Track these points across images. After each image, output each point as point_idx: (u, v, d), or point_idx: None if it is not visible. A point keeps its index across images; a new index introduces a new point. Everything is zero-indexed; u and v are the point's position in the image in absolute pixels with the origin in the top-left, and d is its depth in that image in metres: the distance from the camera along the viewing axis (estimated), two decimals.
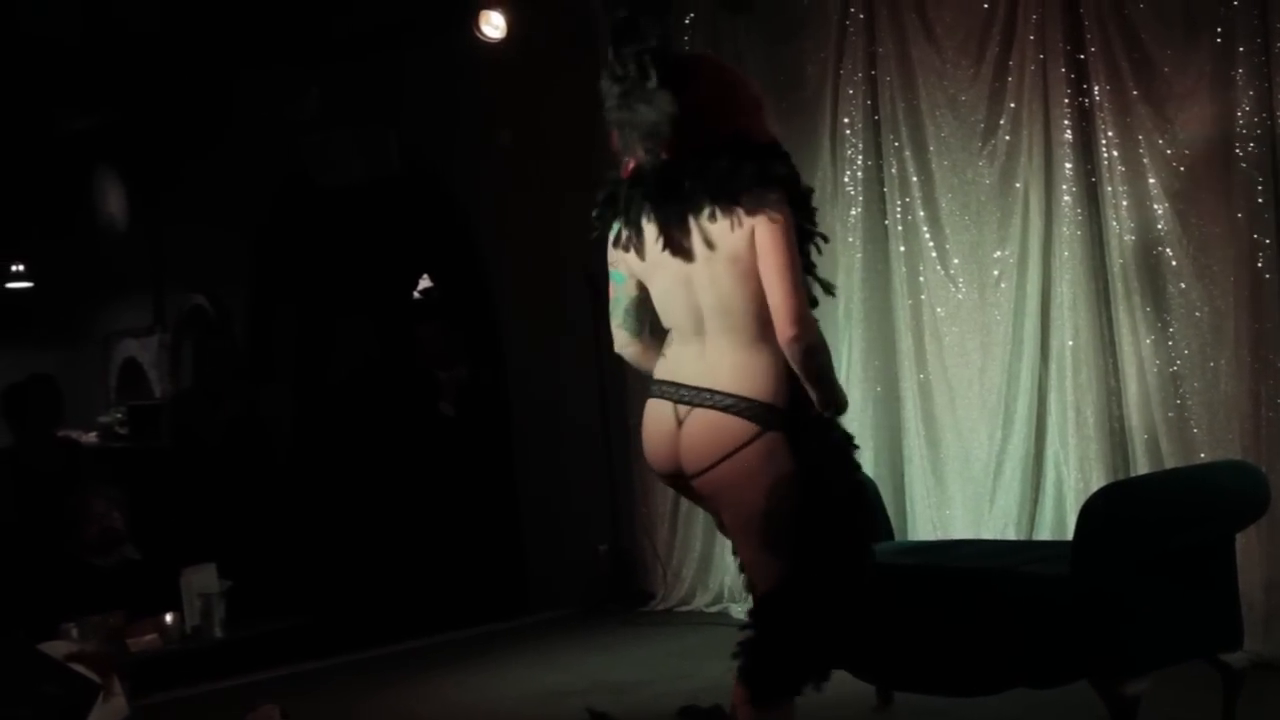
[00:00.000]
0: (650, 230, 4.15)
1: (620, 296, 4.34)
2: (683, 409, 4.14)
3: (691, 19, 7.58)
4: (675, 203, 4.10)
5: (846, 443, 4.22)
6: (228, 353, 10.72)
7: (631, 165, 4.19)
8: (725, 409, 4.07)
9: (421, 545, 8.32)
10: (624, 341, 4.39)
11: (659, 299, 4.24)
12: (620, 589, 7.99)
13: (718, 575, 7.53)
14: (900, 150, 6.81)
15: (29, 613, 6.51)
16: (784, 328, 4.02)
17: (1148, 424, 6.06)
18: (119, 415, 11.23)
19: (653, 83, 4.03)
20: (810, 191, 4.30)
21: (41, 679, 5.14)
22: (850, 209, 6.97)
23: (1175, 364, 6.02)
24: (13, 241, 11.84)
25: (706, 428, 4.09)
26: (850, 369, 6.96)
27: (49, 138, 10.76)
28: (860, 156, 6.95)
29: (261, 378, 10.35)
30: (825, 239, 4.31)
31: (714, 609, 7.48)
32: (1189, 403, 5.97)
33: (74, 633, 6.22)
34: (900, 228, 6.82)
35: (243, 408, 10.08)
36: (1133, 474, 6.02)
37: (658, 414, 4.20)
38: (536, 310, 8.58)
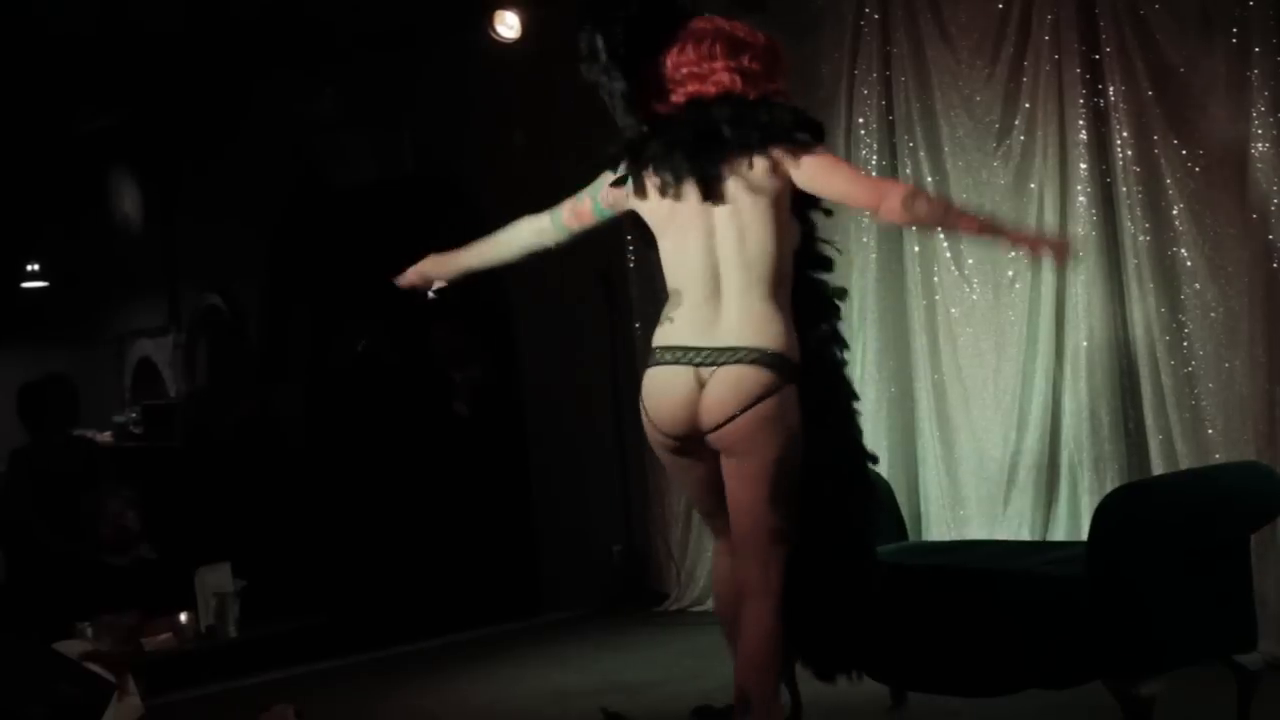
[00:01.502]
0: (683, 184, 4.24)
1: (589, 217, 4.50)
2: (705, 371, 4.23)
3: None
4: (716, 151, 4.21)
5: (850, 403, 4.47)
6: (242, 352, 10.75)
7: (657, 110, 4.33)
8: (751, 362, 4.19)
9: (435, 545, 8.33)
10: (546, 222, 4.55)
11: (673, 254, 4.31)
12: (634, 589, 7.99)
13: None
14: (915, 151, 6.80)
15: (44, 612, 6.53)
16: (894, 199, 4.21)
17: (1162, 425, 6.05)
18: (134, 415, 11.25)
19: (604, 58, 4.25)
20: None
21: (57, 678, 5.16)
22: (864, 209, 6.95)
23: (1190, 365, 6.01)
24: (28, 241, 11.87)
25: (732, 382, 4.19)
26: (864, 370, 6.96)
27: (65, 137, 10.78)
28: (875, 157, 6.94)
29: (276, 377, 10.37)
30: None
31: None
32: (1204, 403, 5.96)
33: (89, 632, 6.23)
34: (914, 228, 6.81)
35: (257, 407, 10.10)
36: (1147, 475, 6.01)
37: (675, 380, 4.26)
38: (551, 310, 8.58)
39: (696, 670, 6.39)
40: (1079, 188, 6.25)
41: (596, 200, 4.49)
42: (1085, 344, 6.26)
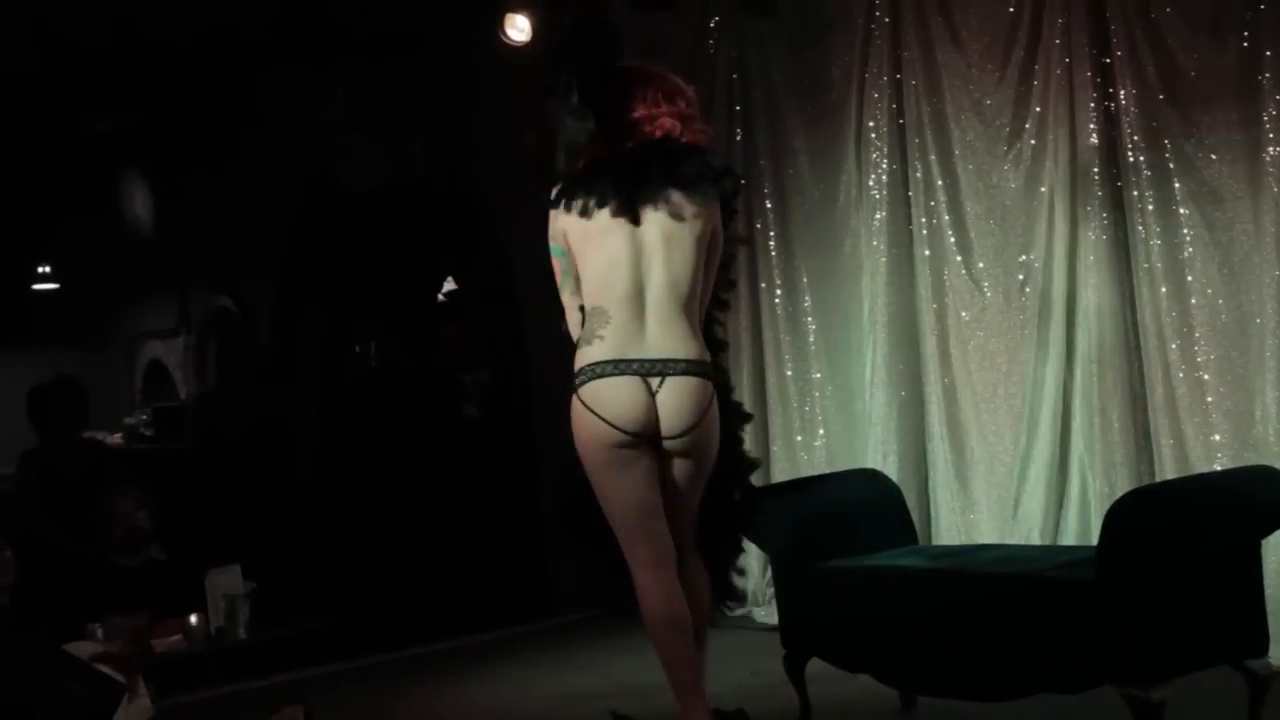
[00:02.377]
0: (604, 211, 4.60)
1: (567, 269, 4.77)
2: (654, 380, 4.58)
3: (716, 22, 7.59)
4: (647, 186, 4.59)
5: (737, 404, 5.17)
6: (252, 354, 10.76)
7: (582, 164, 4.67)
8: (695, 373, 4.61)
9: (445, 547, 8.33)
10: (577, 319, 4.79)
11: (601, 272, 4.64)
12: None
13: (742, 579, 7.51)
14: (925, 154, 6.79)
15: (55, 613, 6.54)
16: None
17: (1173, 429, 6.04)
18: (144, 417, 11.27)
19: (575, 99, 4.59)
20: (734, 213, 5.01)
21: (67, 679, 5.16)
22: (875, 213, 6.95)
23: (1201, 369, 6.00)
24: (39, 243, 11.89)
25: (685, 393, 4.60)
26: (875, 373, 6.96)
27: (75, 140, 10.80)
28: (885, 160, 6.94)
29: (286, 379, 10.38)
30: (745, 242, 5.33)
31: (737, 613, 7.46)
32: (1214, 408, 5.96)
33: (99, 633, 6.25)
34: (925, 232, 6.81)
35: (267, 409, 10.11)
36: (1158, 479, 6.00)
37: (629, 386, 4.58)
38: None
39: (707, 674, 6.39)
40: (1090, 191, 6.25)
41: (553, 250, 4.78)
42: (1096, 348, 6.26)
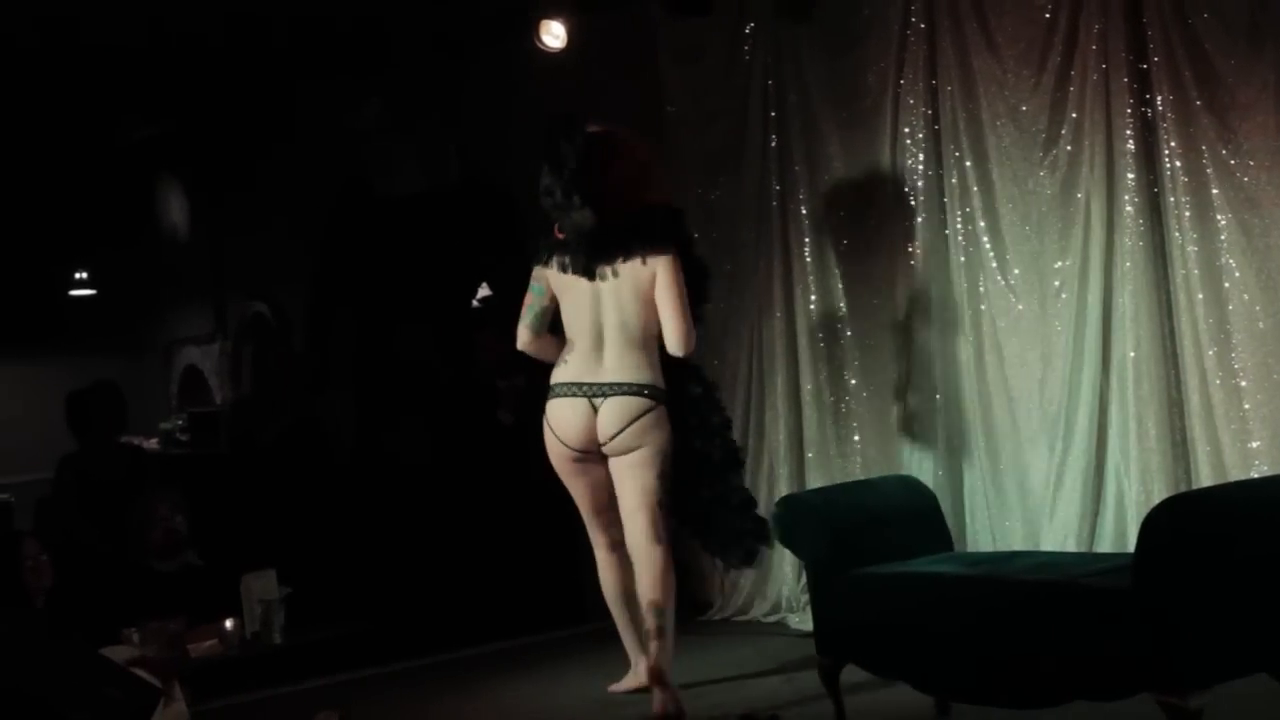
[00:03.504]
0: (576, 266, 5.99)
1: (534, 305, 6.14)
2: (598, 400, 5.91)
3: (752, 28, 7.60)
4: (604, 253, 5.94)
5: (724, 424, 6.24)
6: (287, 360, 10.79)
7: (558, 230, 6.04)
8: (631, 393, 5.90)
9: (480, 552, 8.33)
10: (526, 340, 6.18)
11: (570, 314, 6.03)
12: (678, 598, 7.96)
13: (775, 585, 7.52)
14: (961, 160, 6.78)
15: (92, 617, 6.57)
16: (675, 341, 5.93)
17: (1210, 436, 6.01)
18: (180, 422, 11.31)
19: (577, 201, 5.87)
20: (691, 240, 6.28)
21: (104, 683, 5.19)
22: (910, 219, 6.95)
23: (1238, 375, 5.97)
24: (77, 250, 11.94)
25: (619, 407, 5.89)
26: (910, 379, 6.95)
27: (113, 147, 10.85)
28: (920, 166, 6.93)
29: (321, 385, 10.40)
30: (708, 274, 6.30)
31: (771, 619, 7.47)
32: (1251, 415, 5.93)
33: (135, 638, 6.29)
34: (960, 238, 6.79)
35: (302, 415, 10.13)
36: (1194, 486, 5.98)
37: (573, 408, 5.94)
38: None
39: (740, 678, 6.39)
40: (1126, 197, 6.22)
41: (532, 289, 6.16)
42: (1132, 354, 6.23)
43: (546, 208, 5.99)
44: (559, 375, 5.98)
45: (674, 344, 5.93)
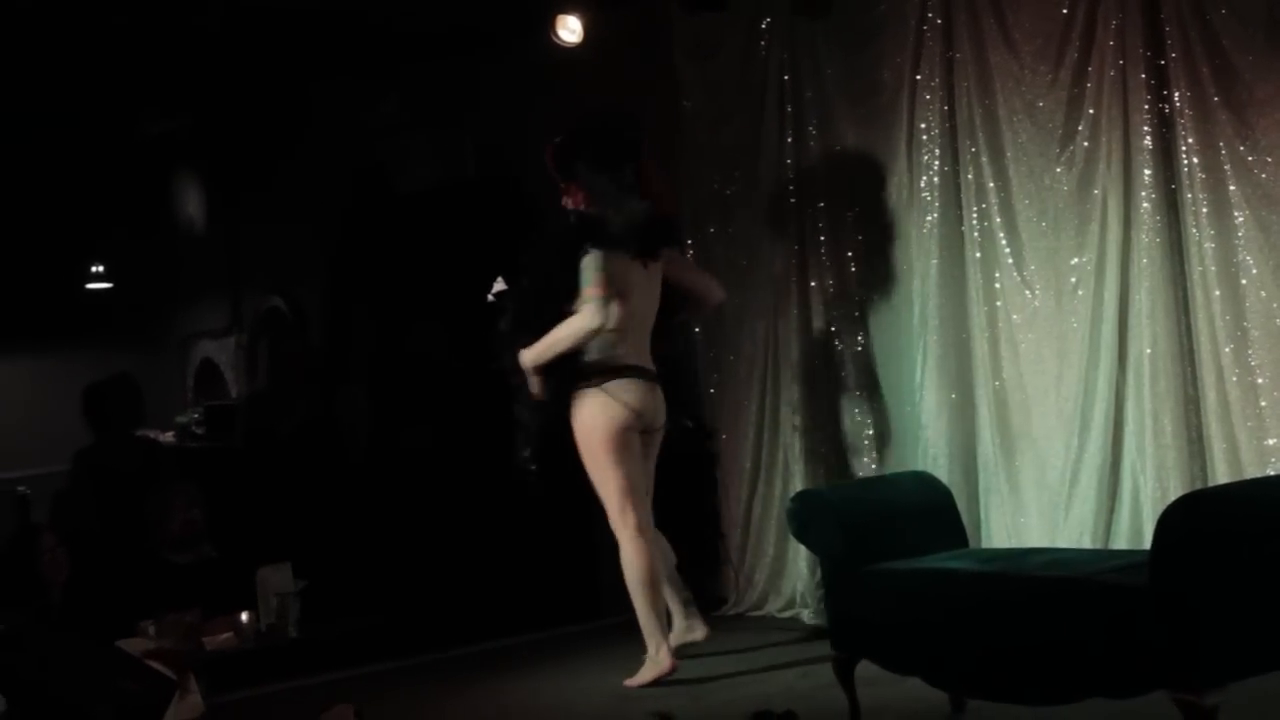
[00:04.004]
0: (626, 263, 6.44)
1: (611, 287, 6.38)
2: (653, 383, 6.47)
3: (768, 23, 7.59)
4: (653, 245, 6.51)
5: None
6: (303, 354, 10.80)
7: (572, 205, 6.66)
8: (658, 379, 6.52)
9: (495, 547, 8.34)
10: (617, 317, 6.37)
11: (622, 306, 6.39)
12: (693, 593, 7.96)
13: (790, 580, 7.52)
14: (977, 156, 6.77)
15: (108, 609, 6.59)
16: (717, 289, 6.98)
17: (1226, 433, 6.01)
18: (196, 415, 11.31)
19: (636, 197, 6.46)
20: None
21: (120, 675, 5.21)
22: (926, 215, 6.94)
23: (1254, 372, 5.96)
24: (93, 243, 11.96)
25: (659, 394, 6.52)
26: (925, 375, 6.94)
27: (129, 140, 10.87)
28: (937, 162, 6.92)
29: (336, 379, 10.41)
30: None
31: (786, 614, 7.47)
32: (1268, 412, 5.92)
33: (151, 630, 6.30)
34: (976, 234, 6.78)
35: (317, 408, 10.15)
36: (1211, 483, 5.97)
37: (641, 387, 6.43)
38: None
39: (754, 673, 6.40)
40: (1143, 194, 6.21)
41: (607, 269, 6.43)
42: (1149, 351, 6.22)
43: (600, 191, 6.46)
44: (621, 357, 6.41)
45: (717, 293, 6.95)
